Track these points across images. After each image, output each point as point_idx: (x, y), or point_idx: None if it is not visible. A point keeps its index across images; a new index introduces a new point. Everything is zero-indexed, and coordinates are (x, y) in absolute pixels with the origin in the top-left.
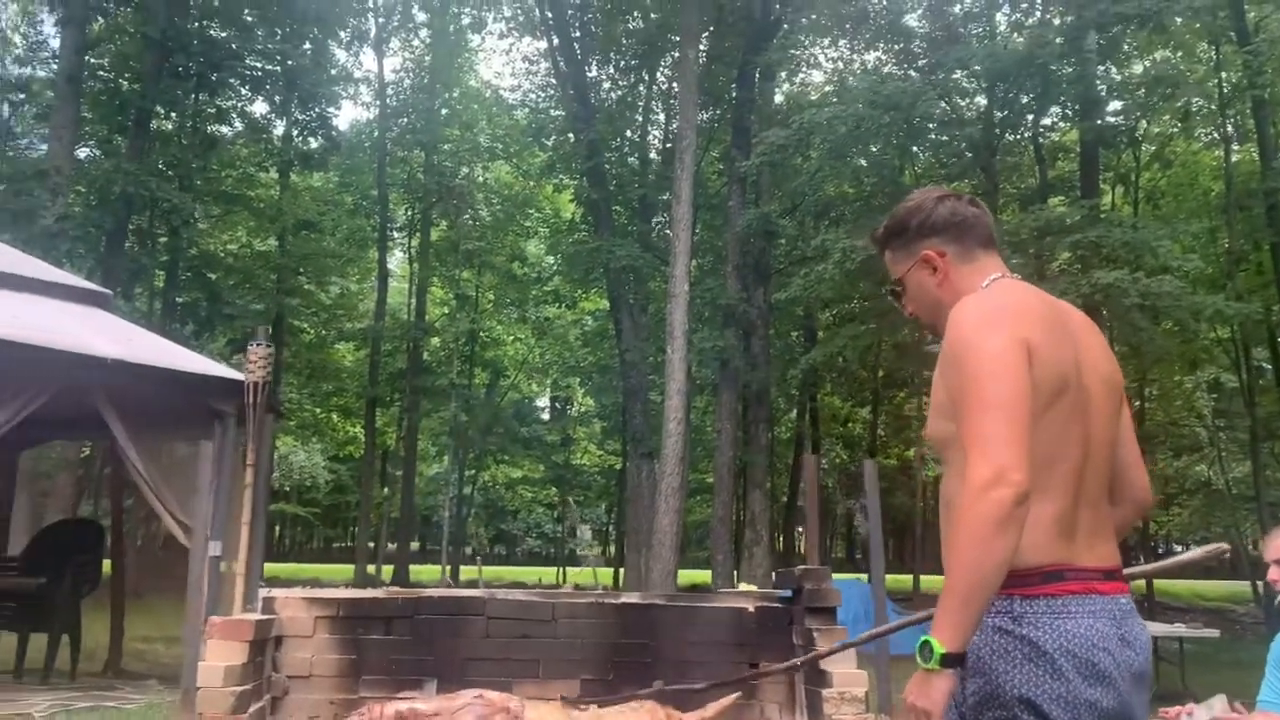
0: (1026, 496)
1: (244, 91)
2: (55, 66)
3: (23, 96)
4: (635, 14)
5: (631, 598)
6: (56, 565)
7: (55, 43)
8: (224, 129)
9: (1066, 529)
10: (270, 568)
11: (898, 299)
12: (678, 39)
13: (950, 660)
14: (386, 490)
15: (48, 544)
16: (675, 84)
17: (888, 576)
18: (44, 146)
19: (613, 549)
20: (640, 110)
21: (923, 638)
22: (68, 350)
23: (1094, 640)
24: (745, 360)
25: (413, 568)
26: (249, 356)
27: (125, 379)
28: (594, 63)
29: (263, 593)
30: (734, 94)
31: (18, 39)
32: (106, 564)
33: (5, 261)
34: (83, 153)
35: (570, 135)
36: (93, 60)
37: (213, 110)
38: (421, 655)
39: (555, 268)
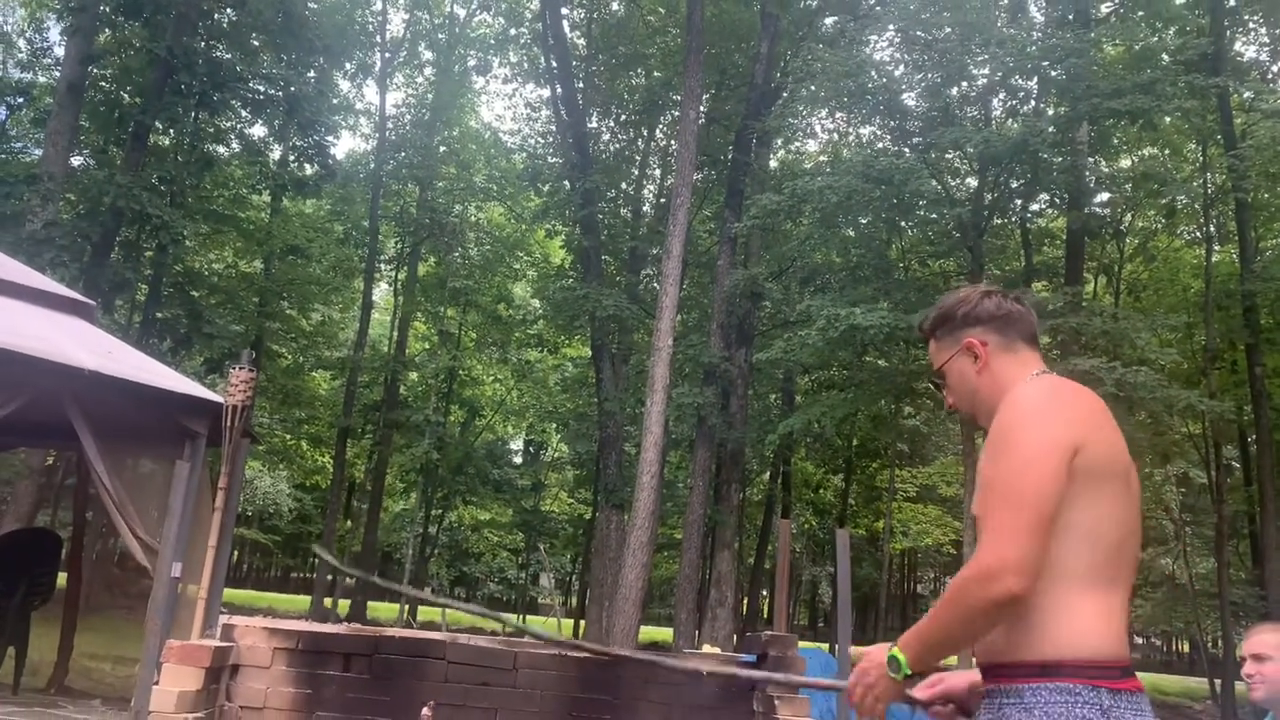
0: (1018, 601)
1: (244, 114)
2: (57, 74)
3: (21, 100)
4: (639, 70)
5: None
6: (10, 576)
7: (60, 50)
8: (221, 149)
9: (1124, 620)
10: (226, 593)
11: (940, 389)
12: (679, 98)
13: (910, 680)
14: (350, 523)
15: (3, 552)
16: (674, 141)
17: (851, 647)
18: (38, 151)
19: (574, 600)
20: (637, 164)
21: (894, 652)
22: (45, 358)
23: None
24: (723, 419)
25: (371, 604)
26: (231, 379)
27: (101, 391)
28: (595, 114)
29: (223, 619)
30: (730, 156)
31: (22, 43)
32: (61, 577)
33: None
34: (76, 161)
35: (566, 183)
36: (95, 71)
37: (211, 130)
38: (378, 695)
39: (541, 312)
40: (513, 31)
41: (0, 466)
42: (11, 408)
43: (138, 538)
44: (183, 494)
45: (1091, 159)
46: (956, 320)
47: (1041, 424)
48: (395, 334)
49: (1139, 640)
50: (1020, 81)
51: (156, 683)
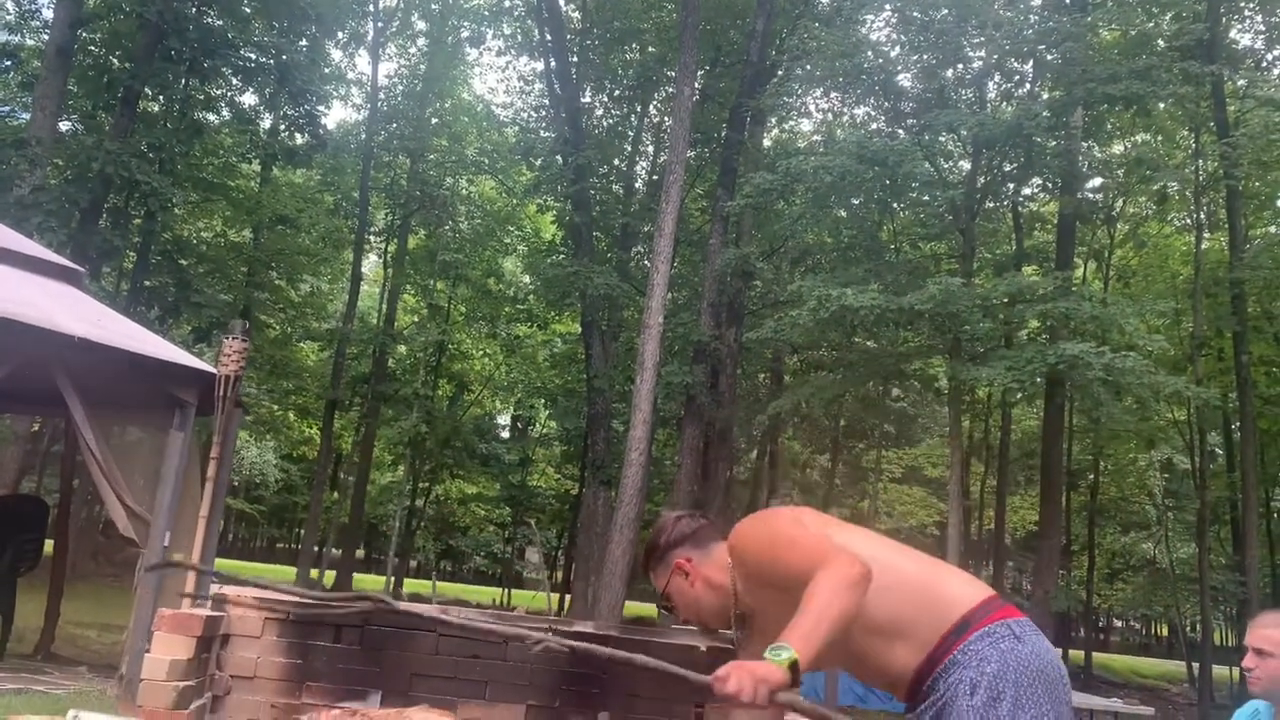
0: (871, 580)
1: (235, 81)
2: (45, 37)
3: (9, 64)
4: (634, 45)
5: (585, 627)
6: None
7: (48, 13)
8: (211, 116)
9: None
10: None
11: (671, 611)
12: (673, 74)
13: (796, 670)
14: (337, 495)
15: None
16: (667, 118)
17: None
18: (25, 116)
19: (560, 575)
20: (630, 140)
21: (779, 645)
22: (33, 324)
23: None
24: (711, 398)
25: (356, 576)
26: (223, 348)
27: (90, 359)
28: (589, 89)
29: (214, 589)
30: (724, 134)
31: (10, 5)
32: (48, 544)
33: None
34: (65, 126)
35: (558, 157)
36: (84, 35)
37: (201, 97)
38: (368, 666)
39: (531, 287)
40: (506, 3)
41: None
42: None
43: (126, 506)
44: (175, 463)
45: (1085, 144)
46: (660, 549)
47: (782, 516)
48: (384, 306)
49: (1118, 623)
50: (1016, 65)
51: (147, 650)
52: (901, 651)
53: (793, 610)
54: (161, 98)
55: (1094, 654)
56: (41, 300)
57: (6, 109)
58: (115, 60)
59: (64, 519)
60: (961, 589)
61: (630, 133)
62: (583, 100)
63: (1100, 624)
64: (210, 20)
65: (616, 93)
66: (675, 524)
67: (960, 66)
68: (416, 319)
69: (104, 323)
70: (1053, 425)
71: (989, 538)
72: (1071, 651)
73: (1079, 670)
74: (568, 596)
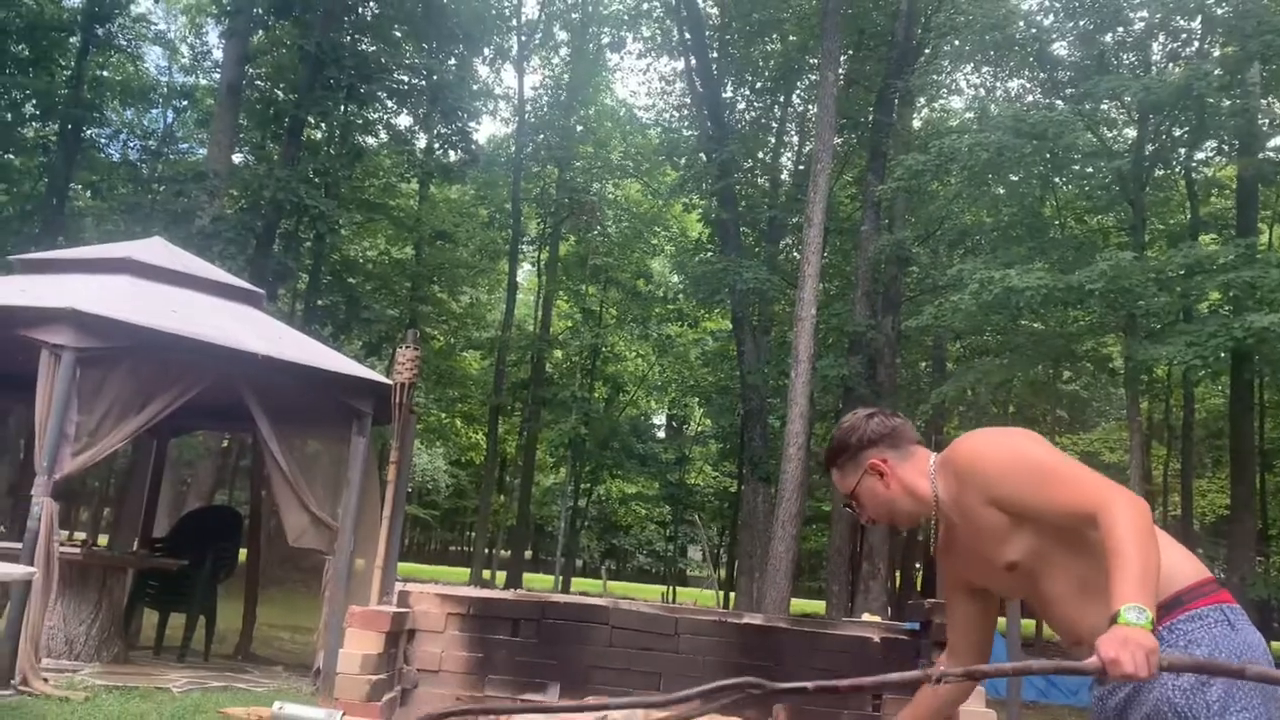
0: None
1: (390, 104)
2: (217, 76)
3: (186, 103)
4: (774, 36)
5: (755, 619)
6: (198, 549)
7: (219, 53)
8: (370, 140)
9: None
10: None
11: (854, 510)
12: (816, 61)
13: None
14: (503, 498)
15: (191, 528)
16: (811, 106)
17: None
18: (203, 150)
19: (723, 572)
20: (774, 132)
21: (1134, 605)
22: (222, 344)
23: None
24: (870, 389)
25: (525, 575)
26: (397, 357)
27: (272, 375)
28: (730, 83)
29: (398, 587)
30: (871, 118)
31: (185, 49)
32: (242, 552)
33: (168, 258)
34: (237, 158)
35: (702, 155)
36: (251, 70)
37: (360, 121)
38: (546, 659)
39: (680, 286)
40: (645, 5)
41: (183, 448)
42: (193, 393)
43: (311, 513)
44: (359, 469)
45: (1264, 101)
46: (852, 448)
47: (1030, 440)
48: (539, 313)
49: None
50: (1182, 22)
51: (342, 647)
52: (1095, 612)
53: (1017, 534)
54: (323, 125)
55: None
56: (228, 323)
57: (185, 146)
58: (280, 92)
59: (255, 528)
60: (1179, 564)
61: (774, 124)
62: (724, 95)
63: None
64: (365, 47)
65: (758, 85)
66: (868, 422)
67: (1121, 29)
68: (571, 324)
69: (284, 341)
70: (1241, 402)
71: (1175, 524)
72: (1274, 643)
73: None
74: (732, 594)
